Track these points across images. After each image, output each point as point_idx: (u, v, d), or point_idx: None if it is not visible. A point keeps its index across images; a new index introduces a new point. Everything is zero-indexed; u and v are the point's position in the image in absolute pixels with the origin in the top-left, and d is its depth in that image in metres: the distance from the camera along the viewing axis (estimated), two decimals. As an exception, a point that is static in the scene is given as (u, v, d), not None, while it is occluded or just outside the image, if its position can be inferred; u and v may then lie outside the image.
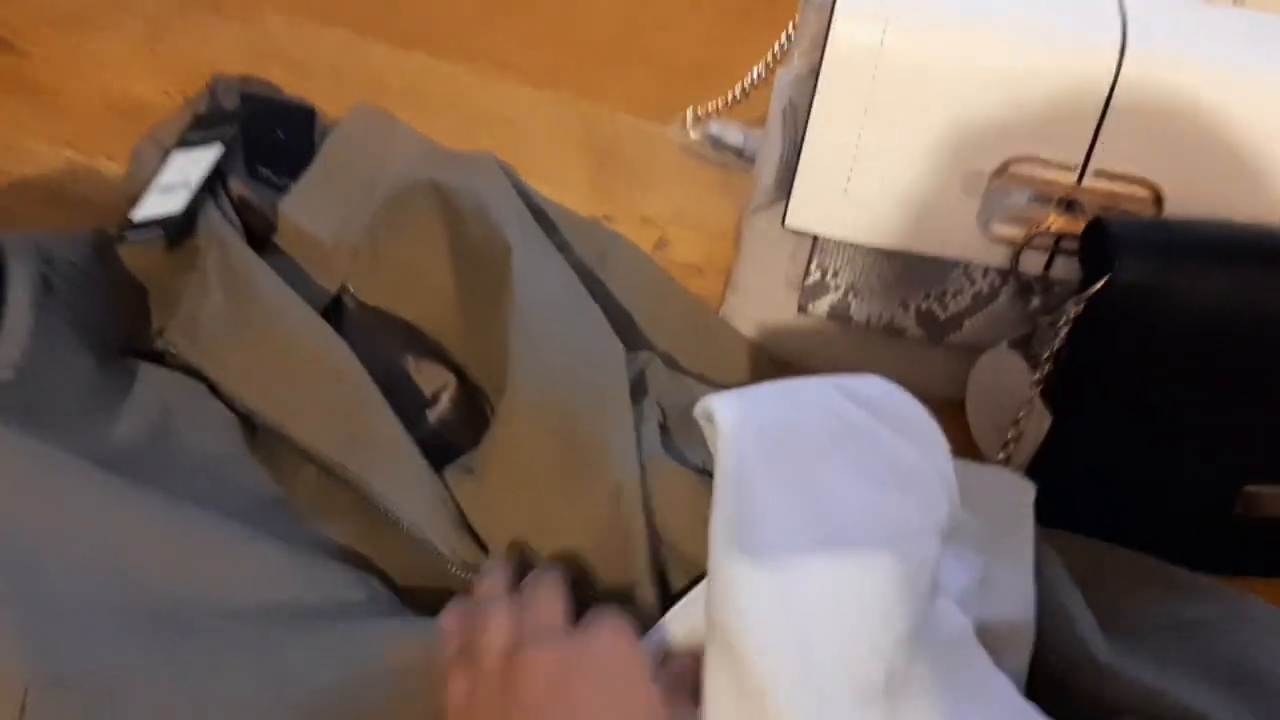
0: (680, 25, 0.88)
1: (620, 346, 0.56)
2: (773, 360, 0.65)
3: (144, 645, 0.42)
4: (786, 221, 0.59)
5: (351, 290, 0.60)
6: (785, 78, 0.57)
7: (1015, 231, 0.57)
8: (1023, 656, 0.50)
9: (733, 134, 0.71)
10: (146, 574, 0.44)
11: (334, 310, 0.60)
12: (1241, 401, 0.54)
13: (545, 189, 0.74)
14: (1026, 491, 0.54)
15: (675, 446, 0.54)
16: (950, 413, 0.63)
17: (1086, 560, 0.54)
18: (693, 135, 0.70)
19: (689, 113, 0.71)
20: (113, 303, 0.59)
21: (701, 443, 0.48)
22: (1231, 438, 0.55)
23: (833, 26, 0.54)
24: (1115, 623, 0.50)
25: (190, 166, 0.61)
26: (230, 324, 0.54)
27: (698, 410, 0.46)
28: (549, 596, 0.46)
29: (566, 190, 0.74)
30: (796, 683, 0.41)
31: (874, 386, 0.48)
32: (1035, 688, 0.49)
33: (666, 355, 0.61)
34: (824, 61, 0.55)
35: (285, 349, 0.53)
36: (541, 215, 0.65)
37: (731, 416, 0.45)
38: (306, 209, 0.61)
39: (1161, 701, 0.45)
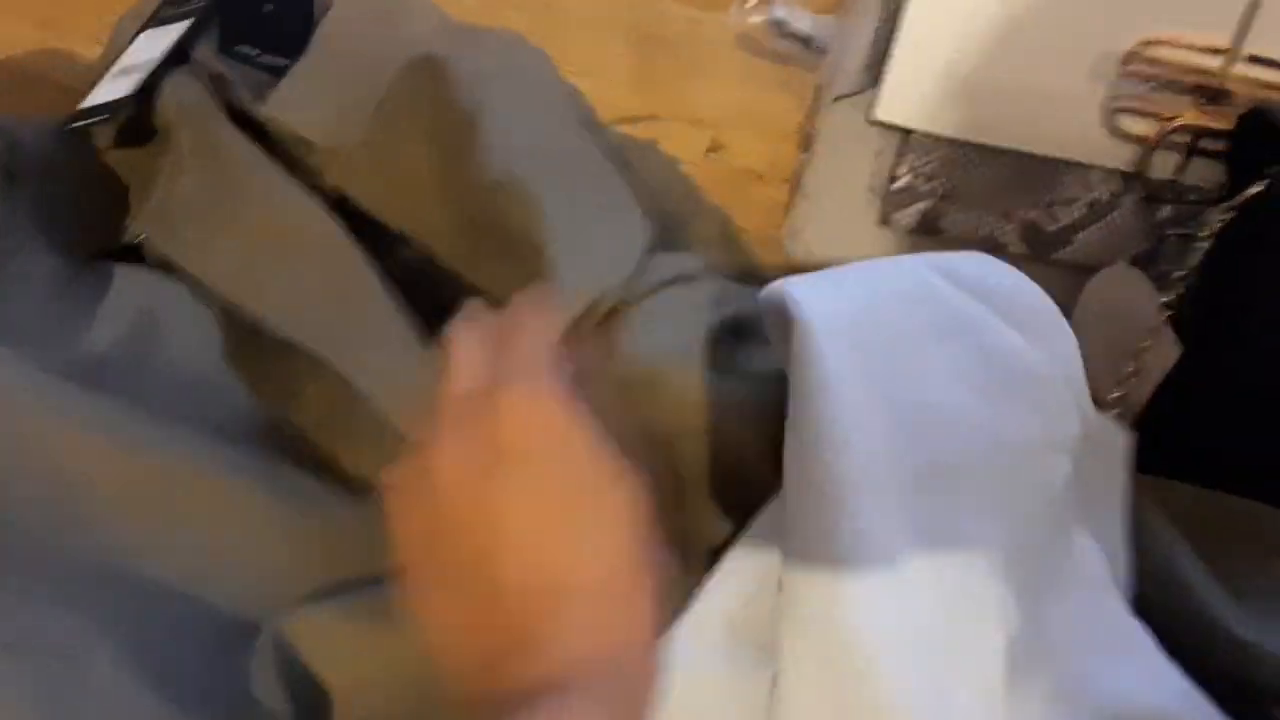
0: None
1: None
2: None
3: (113, 621, 0.35)
4: (876, 113, 0.51)
5: (350, 198, 0.51)
6: (882, -63, 0.48)
7: (1147, 127, 0.49)
8: None
9: (800, 19, 0.62)
10: (119, 525, 0.37)
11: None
12: None
13: (582, 82, 0.64)
14: (1118, 439, 0.46)
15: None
16: (1055, 342, 0.55)
17: (1198, 512, 0.46)
18: (753, 20, 0.62)
19: (751, -7, 0.62)
20: (88, 197, 0.52)
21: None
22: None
23: (944, -127, 0.45)
24: (1240, 587, 0.43)
25: (155, 46, 0.52)
26: (206, 205, 0.46)
27: (764, 298, 0.38)
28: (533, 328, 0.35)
29: (606, 84, 0.65)
30: (905, 656, 0.34)
31: (981, 265, 0.40)
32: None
33: None
34: (931, -84, 0.46)
35: (269, 229, 0.45)
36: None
37: (813, 305, 0.36)
38: (296, 104, 0.52)
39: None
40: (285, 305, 0.44)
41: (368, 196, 0.51)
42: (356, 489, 0.42)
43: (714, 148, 0.63)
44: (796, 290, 0.37)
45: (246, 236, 0.46)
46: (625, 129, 0.63)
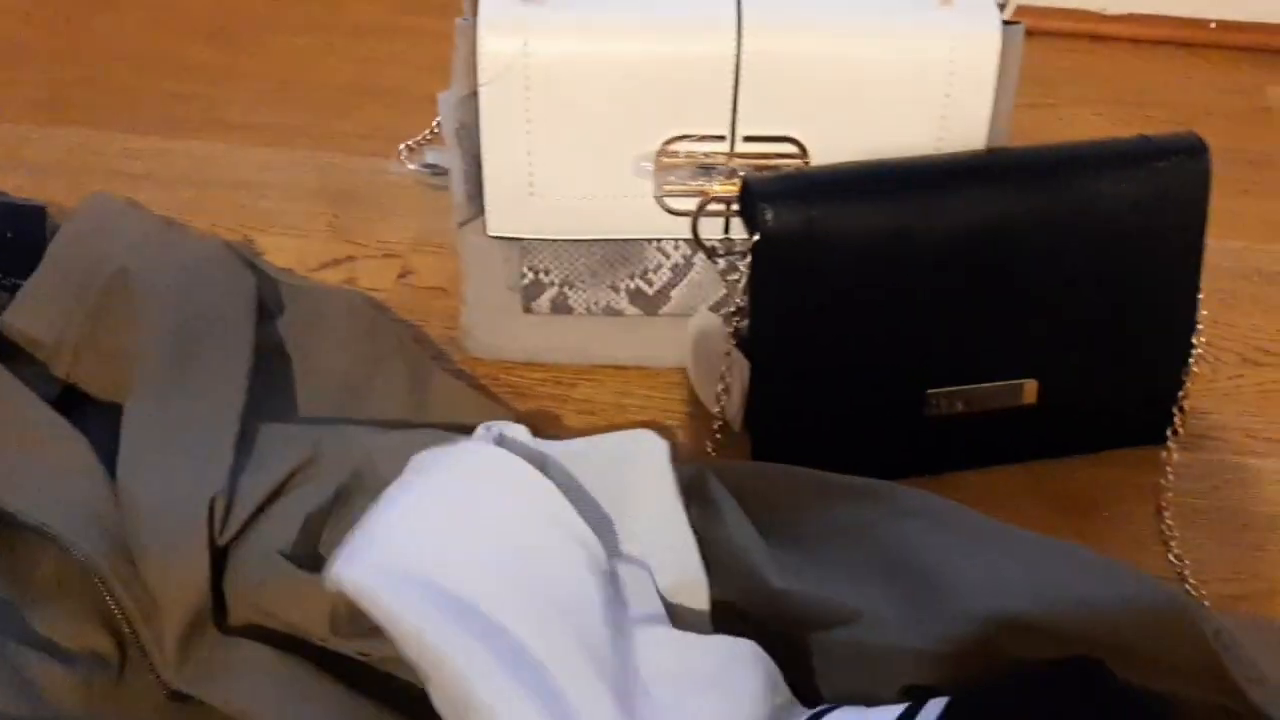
0: (404, 61, 0.92)
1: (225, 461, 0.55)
2: (492, 396, 0.68)
3: None
4: (488, 230, 0.64)
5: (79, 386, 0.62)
6: (448, 101, 0.61)
7: (689, 204, 0.63)
8: (702, 605, 0.52)
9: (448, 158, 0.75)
10: None
11: (74, 402, 0.62)
12: (908, 315, 0.60)
13: (286, 242, 0.78)
14: (658, 448, 0.55)
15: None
16: (681, 378, 0.68)
17: (754, 483, 0.56)
18: (409, 166, 0.75)
19: (402, 146, 0.75)
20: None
21: None
22: (907, 349, 0.61)
23: (479, 44, 0.59)
24: (786, 537, 0.54)
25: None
26: None
27: (328, 584, 0.46)
28: None
29: (307, 240, 0.78)
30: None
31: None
32: (721, 625, 0.52)
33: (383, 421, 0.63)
34: (479, 80, 0.60)
35: (22, 443, 0.56)
36: (264, 300, 0.67)
37: (360, 578, 0.45)
38: (29, 311, 0.63)
39: (825, 608, 0.50)
40: (27, 495, 0.54)
41: (91, 382, 0.62)
42: (80, 658, 0.52)
43: (403, 274, 0.76)
44: (341, 571, 0.46)
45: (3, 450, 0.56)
46: (326, 273, 0.76)
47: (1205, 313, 0.62)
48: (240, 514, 0.52)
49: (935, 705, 0.44)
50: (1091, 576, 0.49)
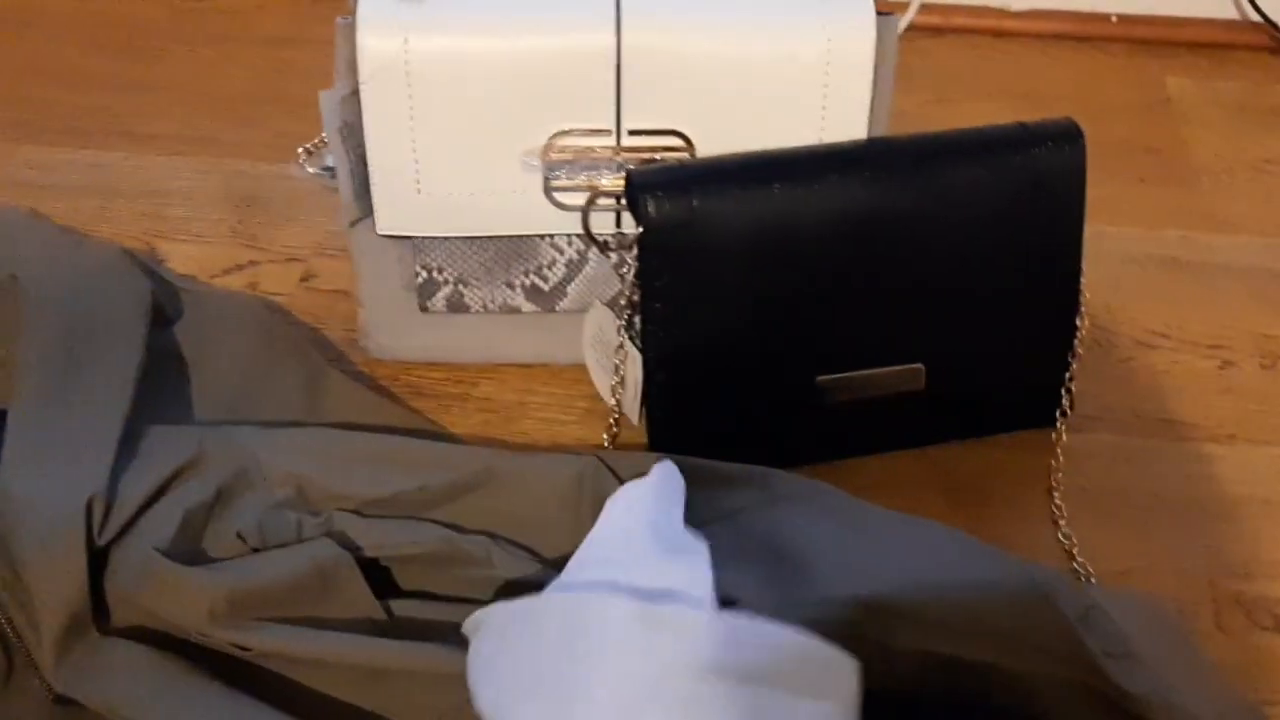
0: (310, 71, 0.92)
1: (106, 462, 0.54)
2: (391, 396, 0.68)
3: None
4: (377, 229, 0.64)
5: None
6: (330, 101, 0.61)
7: (579, 198, 0.63)
8: None
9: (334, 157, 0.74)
10: None
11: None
12: (794, 302, 0.60)
13: (190, 249, 0.77)
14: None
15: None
16: (583, 375, 0.69)
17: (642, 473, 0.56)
18: (309, 170, 0.74)
19: (300, 150, 0.75)
20: None
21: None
22: (795, 336, 0.61)
23: (358, 42, 0.59)
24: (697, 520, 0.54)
25: None
26: None
27: None
28: None
29: (211, 245, 0.78)
30: None
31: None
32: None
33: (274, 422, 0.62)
34: (360, 78, 0.60)
35: None
36: (161, 307, 0.67)
37: None
38: None
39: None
40: None
41: None
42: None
43: (306, 277, 0.76)
44: None
45: None
46: (229, 279, 0.75)
47: (1089, 296, 0.63)
48: (121, 514, 0.52)
49: None
50: (955, 560, 0.50)
